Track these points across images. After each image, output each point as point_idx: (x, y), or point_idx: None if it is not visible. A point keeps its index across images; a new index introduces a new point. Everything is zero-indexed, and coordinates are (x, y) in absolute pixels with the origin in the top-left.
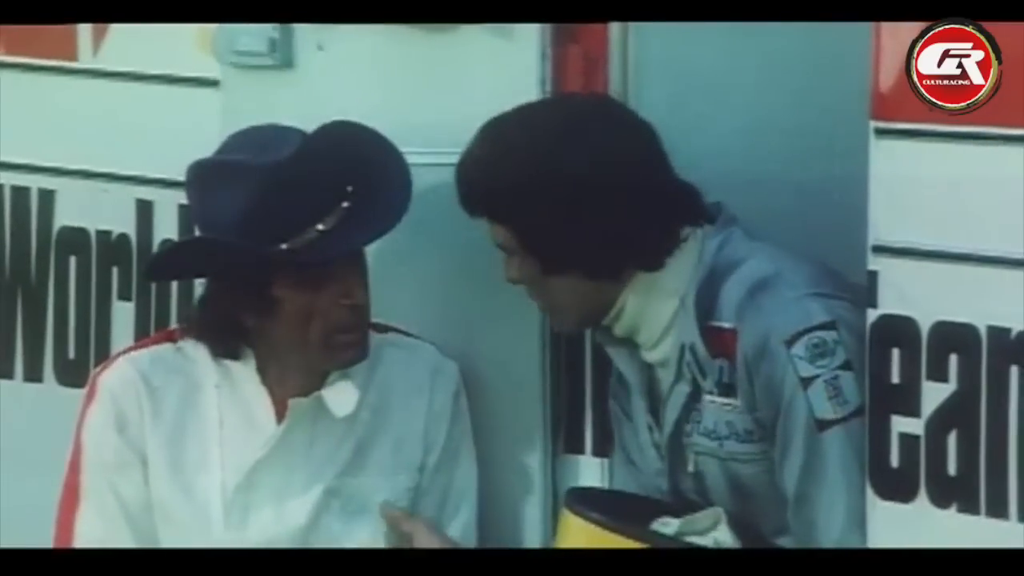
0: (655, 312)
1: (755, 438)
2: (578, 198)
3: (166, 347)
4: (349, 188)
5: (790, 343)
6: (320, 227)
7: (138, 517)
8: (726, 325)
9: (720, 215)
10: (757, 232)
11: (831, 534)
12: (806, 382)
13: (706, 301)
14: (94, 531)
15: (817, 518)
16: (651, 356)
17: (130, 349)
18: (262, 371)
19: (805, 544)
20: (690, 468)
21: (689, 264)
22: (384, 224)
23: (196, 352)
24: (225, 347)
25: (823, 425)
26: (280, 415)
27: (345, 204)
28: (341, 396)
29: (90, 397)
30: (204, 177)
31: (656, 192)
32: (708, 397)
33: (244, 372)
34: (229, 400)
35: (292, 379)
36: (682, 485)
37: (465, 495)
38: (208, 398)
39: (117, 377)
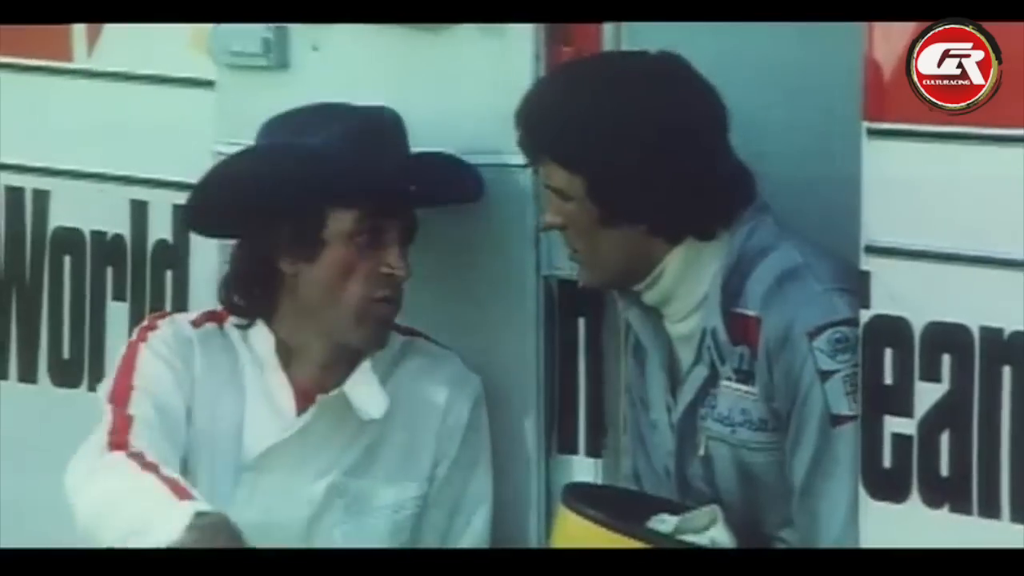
0: (692, 284)
1: (768, 427)
2: (654, 151)
3: (213, 326)
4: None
5: (813, 335)
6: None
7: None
8: (751, 312)
9: (755, 200)
10: (787, 223)
11: (832, 528)
12: (825, 375)
13: (733, 287)
14: (153, 392)
15: (820, 511)
16: (677, 329)
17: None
18: (281, 356)
19: (806, 536)
20: (700, 452)
21: (730, 245)
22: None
23: (236, 335)
24: (249, 303)
25: (837, 420)
26: (300, 405)
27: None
28: (371, 399)
29: (149, 327)
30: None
31: (723, 159)
32: (725, 383)
33: (271, 360)
34: (256, 386)
35: (311, 368)
36: (690, 469)
37: (478, 508)
38: (242, 381)
39: (176, 322)
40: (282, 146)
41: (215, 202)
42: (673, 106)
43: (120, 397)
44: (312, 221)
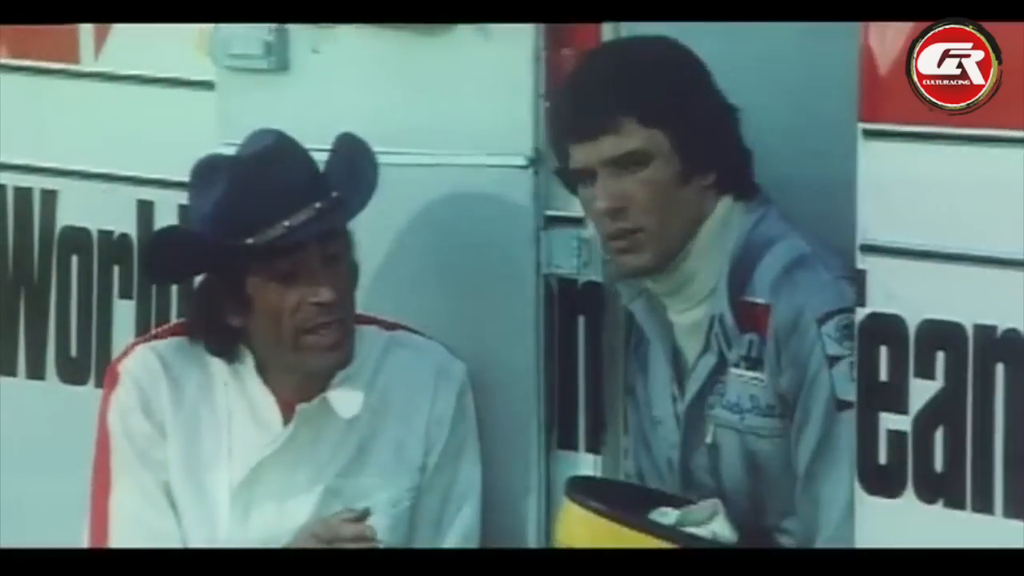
0: (711, 266)
1: (776, 413)
2: (718, 107)
3: (184, 339)
4: (334, 194)
5: (822, 321)
6: (287, 223)
7: (165, 497)
8: (759, 300)
9: (758, 194)
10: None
11: (834, 513)
12: (832, 361)
13: (740, 276)
14: (130, 509)
15: (823, 495)
16: (684, 318)
17: (149, 337)
18: (262, 372)
19: (808, 521)
20: (708, 440)
21: (738, 234)
22: (340, 222)
23: None
24: (220, 347)
25: (843, 405)
26: (285, 415)
27: (318, 204)
28: (346, 398)
29: (111, 384)
30: (193, 174)
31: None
32: (734, 370)
33: (250, 371)
34: (237, 398)
35: (292, 380)
36: (694, 460)
37: (467, 496)
38: (220, 394)
39: (139, 363)
40: (173, 232)
41: (158, 272)
42: (712, 77)
43: (100, 494)
44: (233, 282)
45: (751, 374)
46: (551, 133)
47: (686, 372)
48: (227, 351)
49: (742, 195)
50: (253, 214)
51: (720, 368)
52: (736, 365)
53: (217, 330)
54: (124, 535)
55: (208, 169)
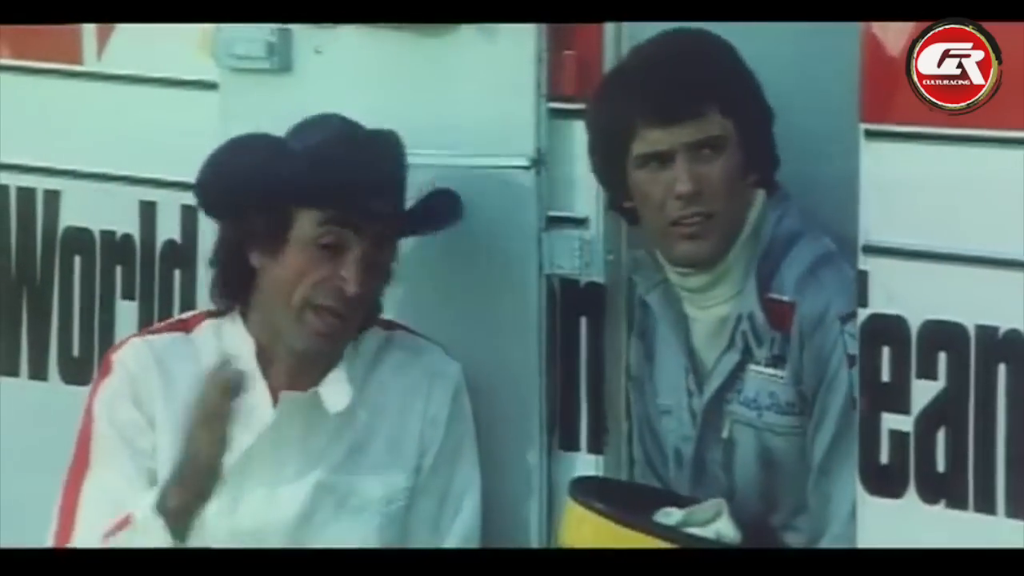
0: (744, 262)
1: (794, 411)
2: (766, 106)
3: (179, 335)
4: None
5: (845, 320)
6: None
7: (147, 482)
8: (785, 298)
9: (779, 189)
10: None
11: (843, 510)
12: (853, 360)
13: (766, 271)
14: (104, 493)
15: (834, 492)
16: (711, 314)
17: (144, 332)
18: (262, 362)
19: (817, 517)
20: (724, 435)
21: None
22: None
23: (206, 343)
24: (228, 290)
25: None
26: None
27: (395, 203)
28: (335, 392)
29: (104, 373)
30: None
31: None
32: (755, 367)
33: (246, 364)
34: None
35: (287, 370)
36: (708, 453)
37: (466, 496)
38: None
39: (133, 355)
40: (262, 140)
41: (211, 186)
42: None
43: (75, 479)
44: (280, 218)
45: (772, 371)
46: (615, 116)
47: (704, 368)
48: (232, 297)
49: (769, 191)
50: (336, 173)
51: (742, 365)
52: (758, 362)
53: (236, 264)
54: (94, 512)
55: (320, 118)
